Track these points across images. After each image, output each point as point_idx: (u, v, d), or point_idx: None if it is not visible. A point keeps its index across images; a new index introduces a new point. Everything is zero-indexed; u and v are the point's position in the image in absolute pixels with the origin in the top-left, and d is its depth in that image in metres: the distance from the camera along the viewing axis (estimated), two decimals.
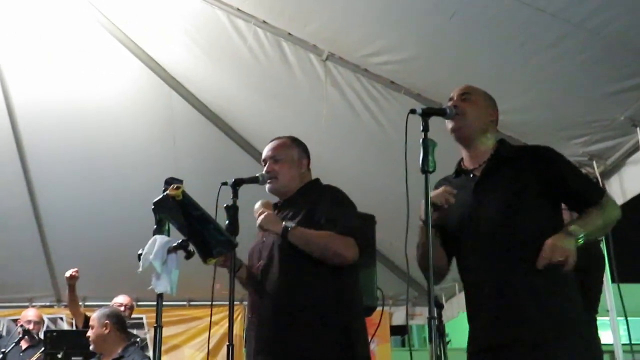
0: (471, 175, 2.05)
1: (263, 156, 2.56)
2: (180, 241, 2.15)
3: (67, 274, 4.22)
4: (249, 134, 4.78)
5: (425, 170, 1.84)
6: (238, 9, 3.75)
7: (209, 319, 5.26)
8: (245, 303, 4.87)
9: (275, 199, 2.50)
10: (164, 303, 3.36)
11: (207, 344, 5.49)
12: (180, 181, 2.11)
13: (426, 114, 1.89)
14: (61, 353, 3.63)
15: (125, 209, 5.01)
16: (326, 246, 2.29)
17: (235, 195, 2.39)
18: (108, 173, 4.88)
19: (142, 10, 4.09)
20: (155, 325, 2.21)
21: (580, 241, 1.81)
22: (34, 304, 4.77)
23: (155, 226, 2.17)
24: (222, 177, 2.44)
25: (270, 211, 2.40)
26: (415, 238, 1.99)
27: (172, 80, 4.46)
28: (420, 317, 5.81)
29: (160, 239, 2.14)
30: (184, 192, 2.05)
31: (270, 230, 2.35)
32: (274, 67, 4.00)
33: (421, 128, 1.87)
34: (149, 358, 3.66)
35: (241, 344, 4.72)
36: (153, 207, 2.13)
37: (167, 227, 2.19)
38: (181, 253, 2.15)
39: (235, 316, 4.76)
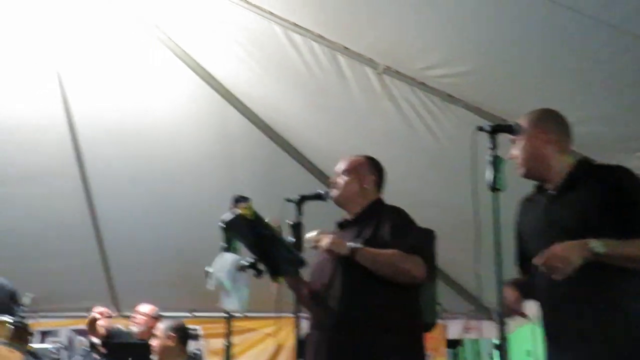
0: (547, 192, 2.08)
1: (335, 169, 2.66)
2: (251, 260, 2.24)
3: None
4: (303, 147, 4.79)
5: (495, 188, 1.86)
6: (295, 24, 3.73)
7: (263, 330, 5.62)
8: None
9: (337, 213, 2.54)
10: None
11: (261, 355, 5.69)
12: (248, 199, 2.22)
13: (494, 131, 1.92)
14: None
15: (181, 220, 5.08)
16: (394, 265, 2.35)
17: (299, 212, 2.50)
18: (165, 184, 4.94)
19: (199, 24, 4.14)
20: (226, 343, 2.38)
21: (599, 254, 1.78)
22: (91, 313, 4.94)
23: (224, 244, 2.27)
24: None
25: (332, 236, 2.44)
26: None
27: (227, 93, 4.49)
28: (475, 331, 5.80)
29: (230, 257, 2.23)
30: (255, 212, 2.14)
31: (337, 252, 2.38)
32: (330, 81, 3.97)
33: (488, 145, 1.90)
34: None
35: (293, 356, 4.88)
36: (223, 225, 2.20)
37: (235, 245, 2.28)
38: (250, 271, 2.23)
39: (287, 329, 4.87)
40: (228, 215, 2.24)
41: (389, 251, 2.36)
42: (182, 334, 3.45)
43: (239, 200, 2.27)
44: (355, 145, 4.00)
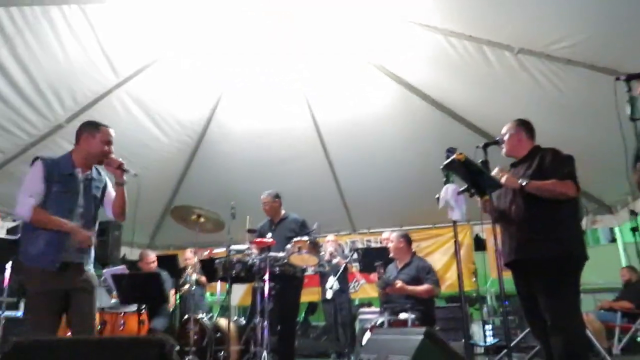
0: None
1: (502, 130, 3.47)
2: (465, 187, 3.10)
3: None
4: (471, 116, 6.39)
5: (634, 118, 2.26)
6: (451, 31, 5.20)
7: (447, 235, 7.95)
8: (471, 223, 7.31)
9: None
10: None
11: (447, 252, 7.91)
12: (456, 149, 3.07)
13: (629, 79, 2.32)
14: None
15: (389, 175, 7.37)
16: (554, 190, 3.08)
17: (486, 154, 3.33)
18: (378, 155, 7.20)
19: (388, 41, 5.81)
20: (454, 240, 3.27)
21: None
22: (340, 233, 7.72)
23: (444, 179, 3.19)
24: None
25: (509, 174, 3.22)
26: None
27: (411, 87, 6.25)
28: (600, 223, 7.38)
29: (451, 186, 3.11)
30: (465, 156, 2.95)
31: (511, 186, 3.20)
32: (479, 66, 5.34)
33: (621, 90, 2.33)
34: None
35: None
36: (442, 167, 3.11)
37: (452, 179, 3.17)
38: (465, 194, 3.13)
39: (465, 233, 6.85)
40: (447, 161, 3.01)
41: (550, 181, 3.06)
42: (407, 239, 5.26)
43: (450, 150, 3.05)
44: (505, 108, 5.54)
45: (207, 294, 6.66)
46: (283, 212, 5.42)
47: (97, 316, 4.75)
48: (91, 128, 3.28)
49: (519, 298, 3.23)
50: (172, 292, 5.80)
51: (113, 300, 5.38)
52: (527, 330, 5.33)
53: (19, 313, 5.58)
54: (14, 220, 5.68)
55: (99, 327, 4.75)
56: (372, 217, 8.28)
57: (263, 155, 7.38)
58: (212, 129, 7.24)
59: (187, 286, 5.76)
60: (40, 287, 2.95)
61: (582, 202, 6.39)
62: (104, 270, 5.16)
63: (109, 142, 3.30)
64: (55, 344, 1.67)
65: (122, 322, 4.74)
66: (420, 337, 2.27)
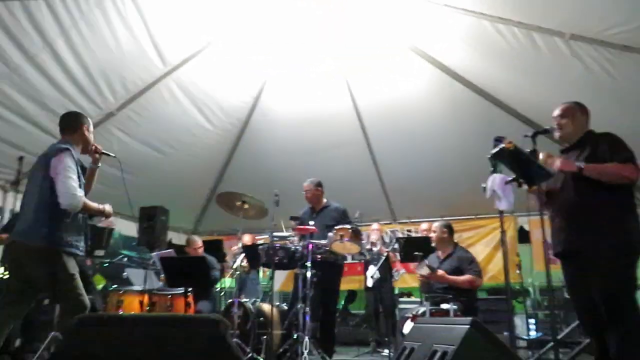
0: None
1: (553, 114, 3.31)
2: (513, 177, 3.00)
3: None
4: (517, 104, 6.20)
5: None
6: (499, 17, 5.03)
7: (490, 226, 7.85)
8: (516, 214, 7.20)
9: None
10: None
11: (490, 243, 7.84)
12: (504, 137, 2.97)
13: None
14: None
15: (429, 158, 7.28)
16: (614, 173, 2.95)
17: (534, 142, 3.15)
18: (417, 139, 7.08)
19: (431, 27, 5.70)
20: (501, 230, 3.20)
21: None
22: (380, 222, 7.62)
23: (491, 168, 3.09)
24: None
25: (560, 158, 3.10)
26: None
27: (453, 73, 6.12)
28: None
29: (498, 176, 3.05)
30: (514, 145, 2.86)
31: (567, 170, 3.04)
32: (527, 52, 5.17)
33: None
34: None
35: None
36: (490, 156, 3.01)
37: (499, 169, 3.09)
38: (513, 184, 3.04)
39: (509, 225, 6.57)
40: (495, 149, 2.92)
41: (611, 164, 2.95)
42: (450, 230, 5.19)
43: (497, 139, 2.98)
44: (553, 96, 5.30)
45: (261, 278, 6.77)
46: (324, 200, 5.46)
47: (146, 297, 4.96)
48: (85, 119, 3.53)
49: (568, 291, 3.14)
50: (218, 276, 5.95)
51: (161, 283, 5.57)
52: (573, 325, 5.20)
53: None
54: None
55: (148, 307, 4.92)
56: (412, 207, 8.21)
57: (305, 142, 7.42)
58: (255, 117, 7.33)
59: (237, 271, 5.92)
60: (73, 270, 3.20)
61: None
62: (153, 254, 5.34)
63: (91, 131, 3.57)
64: (115, 320, 1.76)
65: (169, 303, 4.90)
66: (467, 326, 2.25)
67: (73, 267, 3.23)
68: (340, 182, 7.04)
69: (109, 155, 3.59)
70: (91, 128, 3.57)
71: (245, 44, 6.14)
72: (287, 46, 6.32)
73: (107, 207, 3.51)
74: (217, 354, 1.52)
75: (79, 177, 3.33)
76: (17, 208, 5.40)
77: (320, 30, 6.09)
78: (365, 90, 6.82)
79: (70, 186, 3.18)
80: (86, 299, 3.21)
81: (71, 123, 3.49)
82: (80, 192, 3.25)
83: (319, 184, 5.43)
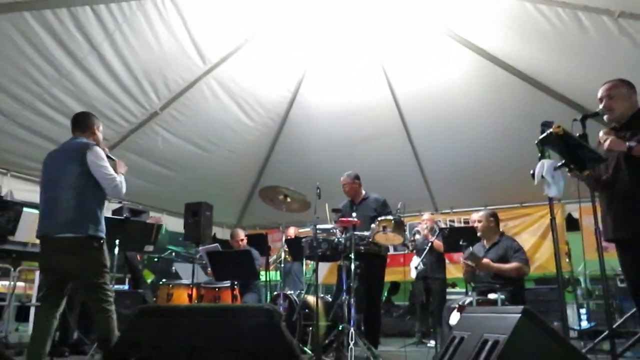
0: None
1: (599, 95, 3.16)
2: (563, 162, 2.89)
3: None
4: (561, 87, 5.99)
5: None
6: None
7: (536, 214, 7.64)
8: (563, 202, 6.91)
9: None
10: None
11: (537, 231, 7.58)
12: (552, 122, 2.88)
13: None
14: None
15: (472, 148, 7.10)
16: None
17: (584, 126, 3.06)
18: (458, 126, 6.95)
19: (469, 12, 5.56)
20: (550, 218, 3.11)
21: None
22: (421, 213, 7.55)
23: (539, 154, 3.00)
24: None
25: (614, 137, 2.94)
26: None
27: (494, 58, 5.96)
28: None
29: (547, 162, 2.96)
30: (564, 129, 2.76)
31: (617, 150, 2.91)
32: (572, 34, 5.02)
33: None
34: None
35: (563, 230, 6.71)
36: (538, 142, 2.92)
37: (547, 154, 2.99)
38: (563, 169, 2.91)
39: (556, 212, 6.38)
40: (543, 135, 2.83)
41: None
42: (496, 219, 5.04)
43: (546, 124, 2.89)
44: (600, 78, 5.13)
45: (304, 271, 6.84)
46: (363, 192, 5.45)
47: (195, 291, 5.09)
48: (97, 120, 3.81)
49: (625, 278, 3.03)
50: (261, 268, 6.05)
51: (208, 277, 5.71)
52: (628, 314, 5.01)
53: (126, 287, 6.09)
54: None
55: (196, 300, 5.06)
56: (454, 197, 8.08)
57: (344, 134, 7.42)
58: (294, 111, 7.39)
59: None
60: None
61: None
62: (200, 248, 5.47)
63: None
64: (175, 310, 1.83)
65: (217, 296, 5.02)
66: (518, 315, 2.21)
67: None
68: (380, 173, 7.03)
69: (112, 159, 3.75)
70: (101, 128, 3.83)
71: (282, 39, 6.20)
72: (324, 39, 6.33)
73: (119, 165, 3.71)
74: (271, 341, 1.56)
75: None
76: None
77: (357, 20, 6.06)
78: (404, 80, 6.74)
79: (113, 176, 3.49)
80: None
81: (86, 122, 3.74)
82: (120, 178, 3.55)
83: (356, 177, 5.42)
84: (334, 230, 4.93)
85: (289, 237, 6.09)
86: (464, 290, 7.19)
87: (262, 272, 6.08)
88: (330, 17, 6.05)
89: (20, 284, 5.99)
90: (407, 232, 6.01)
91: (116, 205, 6.11)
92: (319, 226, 4.87)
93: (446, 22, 5.90)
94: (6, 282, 5.88)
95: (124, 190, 3.52)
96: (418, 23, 5.99)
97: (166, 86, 5.99)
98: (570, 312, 6.61)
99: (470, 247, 4.80)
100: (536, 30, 5.29)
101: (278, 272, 6.41)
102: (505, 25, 5.51)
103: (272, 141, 7.87)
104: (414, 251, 6.67)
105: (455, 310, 4.54)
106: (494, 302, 4.30)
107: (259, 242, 6.27)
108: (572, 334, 6.15)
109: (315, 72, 6.90)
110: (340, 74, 6.81)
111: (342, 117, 7.22)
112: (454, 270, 7.84)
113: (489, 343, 2.22)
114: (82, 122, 3.73)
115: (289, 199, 5.03)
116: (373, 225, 4.66)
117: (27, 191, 6.16)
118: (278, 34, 6.13)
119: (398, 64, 6.56)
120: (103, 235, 3.44)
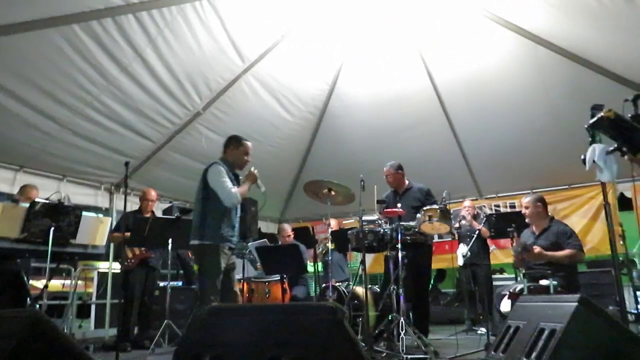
0: None
1: None
2: (615, 146, 2.72)
3: None
4: (610, 64, 5.79)
5: None
6: None
7: (586, 195, 7.48)
8: (615, 180, 6.34)
9: None
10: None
11: (587, 213, 7.43)
12: (602, 105, 2.78)
13: None
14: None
15: (516, 131, 7.00)
16: None
17: (636, 107, 2.74)
18: (501, 109, 6.83)
19: None
20: (604, 202, 3.16)
21: None
22: (465, 199, 7.37)
23: (590, 139, 2.93)
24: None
25: None
26: None
27: (536, 38, 5.81)
28: None
29: (598, 146, 2.91)
30: (614, 112, 2.62)
31: None
32: (618, 7, 4.81)
33: None
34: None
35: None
36: (587, 126, 2.78)
37: (598, 138, 2.94)
38: (616, 153, 2.76)
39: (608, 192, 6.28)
40: (593, 119, 2.71)
41: None
42: (544, 203, 4.88)
43: (596, 107, 2.82)
44: None
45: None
46: (407, 182, 5.46)
47: (245, 285, 5.27)
48: (231, 142, 4.30)
49: None
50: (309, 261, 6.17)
51: (257, 271, 5.87)
52: None
53: (179, 283, 6.34)
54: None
55: (247, 295, 5.23)
56: (499, 181, 7.94)
57: (384, 124, 7.43)
58: (332, 104, 7.44)
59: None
60: (223, 263, 3.84)
61: None
62: (249, 244, 5.64)
63: (248, 154, 4.32)
64: (243, 310, 1.94)
65: (267, 290, 5.17)
66: (575, 303, 2.21)
67: (222, 260, 3.87)
68: (423, 161, 7.01)
69: (259, 187, 4.30)
70: (242, 149, 4.30)
71: (318, 33, 6.25)
72: (360, 29, 6.34)
73: (250, 172, 4.23)
74: (336, 339, 1.64)
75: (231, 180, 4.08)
76: (121, 208, 5.94)
77: (392, 7, 6.05)
78: (442, 65, 6.68)
79: (228, 191, 3.94)
80: None
81: (225, 144, 4.35)
82: (235, 189, 4.00)
83: (399, 167, 5.43)
84: (380, 222, 4.98)
85: (332, 229, 6.18)
86: (511, 276, 7.14)
87: (310, 264, 6.21)
88: (364, 6, 6.05)
89: (79, 282, 6.30)
90: (452, 221, 6.00)
91: (166, 205, 6.35)
92: (364, 217, 4.93)
93: (484, 4, 5.78)
94: (63, 281, 6.22)
95: (240, 200, 4.07)
96: (455, 6, 5.90)
97: (207, 87, 6.16)
98: (627, 294, 6.43)
99: (521, 239, 4.74)
100: (581, 6, 5.12)
101: (320, 264, 6.51)
102: (546, 2, 5.34)
103: (312, 134, 7.97)
104: (458, 238, 6.65)
105: (507, 297, 4.53)
106: (546, 289, 4.25)
107: (306, 235, 6.39)
108: (630, 317, 6.00)
109: (352, 63, 6.92)
110: (377, 63, 6.81)
111: (381, 107, 7.22)
112: (502, 255, 7.77)
113: (546, 332, 2.24)
114: (225, 144, 4.35)
115: (333, 192, 5.10)
116: (419, 215, 4.68)
117: (82, 195, 6.50)
118: (313, 27, 6.19)
119: (436, 49, 6.50)
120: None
